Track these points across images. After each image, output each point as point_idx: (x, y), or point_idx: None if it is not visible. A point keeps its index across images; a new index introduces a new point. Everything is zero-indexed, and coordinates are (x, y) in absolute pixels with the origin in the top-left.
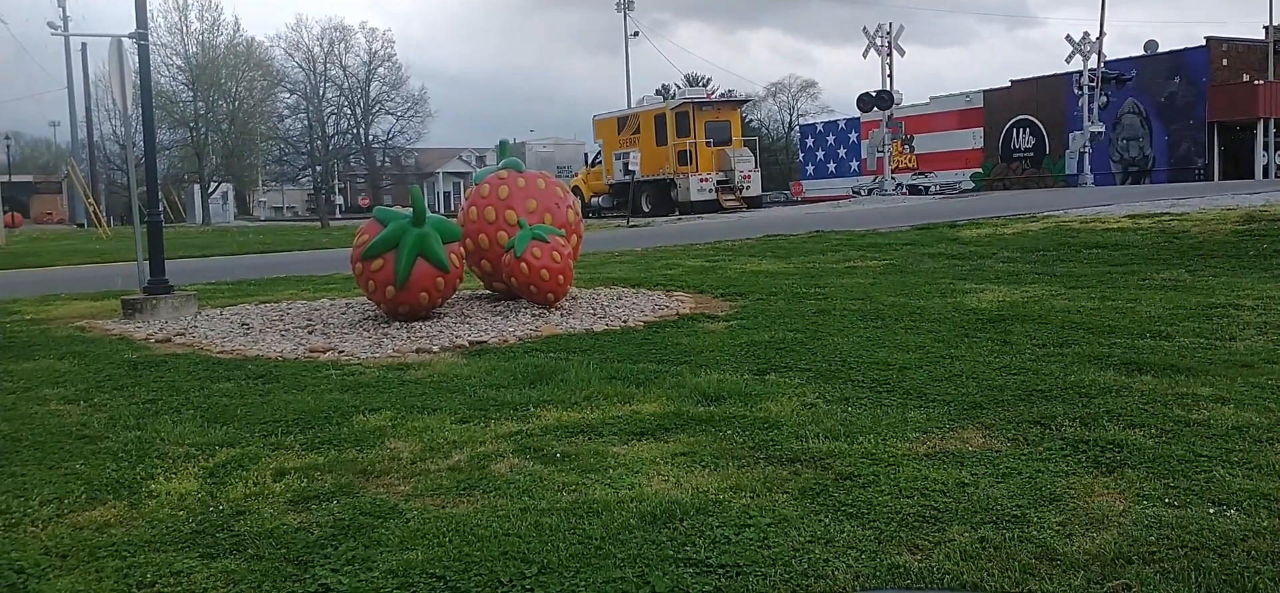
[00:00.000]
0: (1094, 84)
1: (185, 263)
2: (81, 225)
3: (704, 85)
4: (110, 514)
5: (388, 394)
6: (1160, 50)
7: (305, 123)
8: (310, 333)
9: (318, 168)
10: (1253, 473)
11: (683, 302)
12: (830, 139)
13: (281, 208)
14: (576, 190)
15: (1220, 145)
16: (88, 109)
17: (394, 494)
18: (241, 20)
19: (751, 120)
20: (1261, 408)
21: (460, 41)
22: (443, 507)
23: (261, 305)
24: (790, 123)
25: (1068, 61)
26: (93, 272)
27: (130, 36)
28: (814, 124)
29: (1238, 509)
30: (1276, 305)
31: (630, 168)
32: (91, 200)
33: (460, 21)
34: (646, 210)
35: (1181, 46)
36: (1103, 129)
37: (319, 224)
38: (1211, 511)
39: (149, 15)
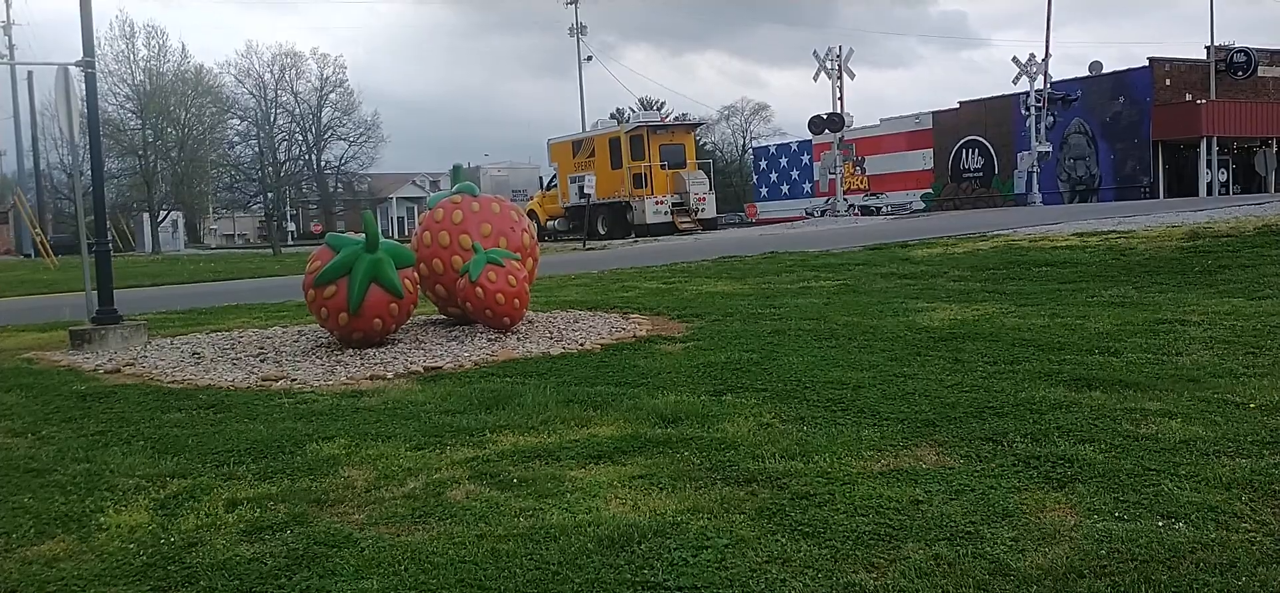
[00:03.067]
0: (1041, 105)
1: (135, 292)
2: (29, 255)
3: (658, 109)
4: (59, 548)
5: (341, 422)
6: (1104, 71)
7: (256, 149)
8: (262, 361)
9: (269, 194)
10: (1200, 486)
11: (639, 324)
12: (783, 161)
13: (233, 235)
14: (532, 214)
15: (1165, 164)
16: (34, 138)
17: (348, 523)
18: (189, 47)
19: (705, 143)
20: (1208, 422)
21: (406, 64)
22: (398, 535)
23: (213, 334)
24: (744, 145)
25: (1015, 82)
26: (40, 302)
27: (76, 65)
28: (767, 146)
29: (1186, 522)
30: (1222, 320)
31: (586, 191)
32: (38, 230)
33: (405, 45)
34: (602, 233)
35: (1125, 67)
36: (1050, 149)
37: (271, 251)
38: (1160, 523)
39: (95, 43)
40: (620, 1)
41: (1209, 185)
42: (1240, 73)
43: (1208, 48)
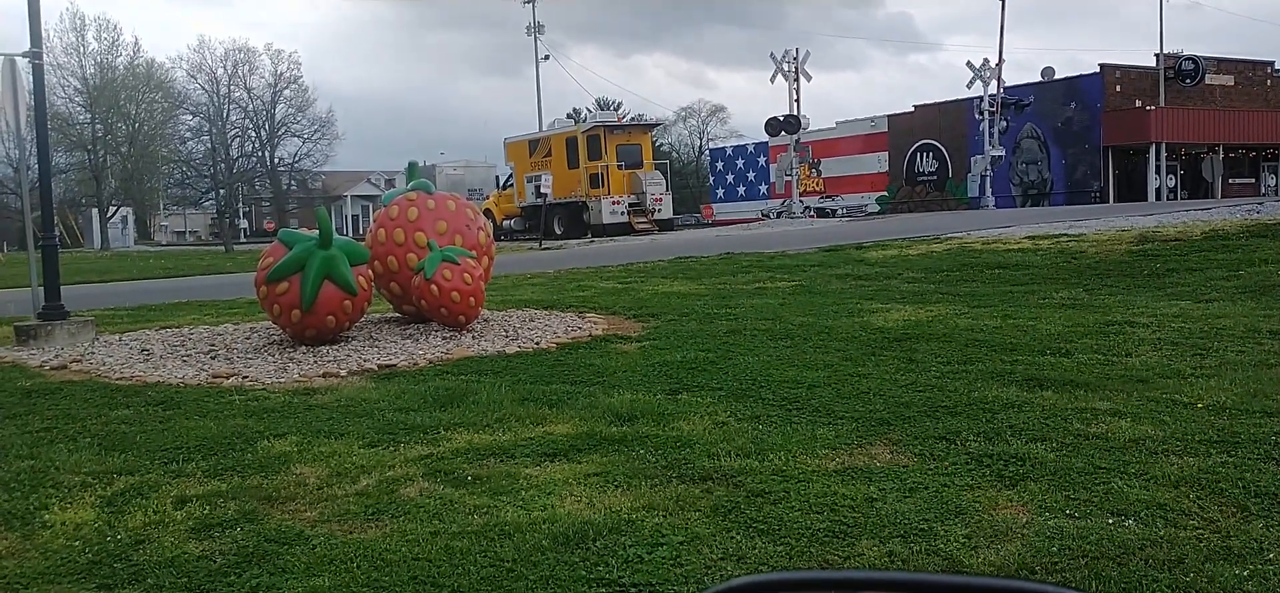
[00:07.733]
0: (994, 109)
1: (82, 288)
2: None
3: (615, 109)
4: (2, 547)
5: (293, 419)
6: (1056, 77)
7: (208, 145)
8: (213, 358)
9: (221, 191)
10: (1149, 484)
11: (595, 323)
12: (739, 163)
13: (184, 232)
14: (488, 213)
15: (1115, 169)
16: None
17: (300, 520)
18: (142, 41)
19: (662, 144)
20: (1156, 421)
21: (350, 61)
22: (350, 532)
23: (162, 331)
24: (700, 147)
25: (968, 87)
26: None
27: (24, 56)
28: (723, 148)
29: (1135, 519)
30: (1170, 322)
31: (542, 190)
32: None
33: (354, 42)
34: (559, 233)
35: (1076, 73)
36: (1003, 153)
37: (222, 249)
38: (1110, 521)
39: (44, 34)
40: (568, 0)
41: (1157, 191)
42: (1188, 80)
43: (1157, 56)
